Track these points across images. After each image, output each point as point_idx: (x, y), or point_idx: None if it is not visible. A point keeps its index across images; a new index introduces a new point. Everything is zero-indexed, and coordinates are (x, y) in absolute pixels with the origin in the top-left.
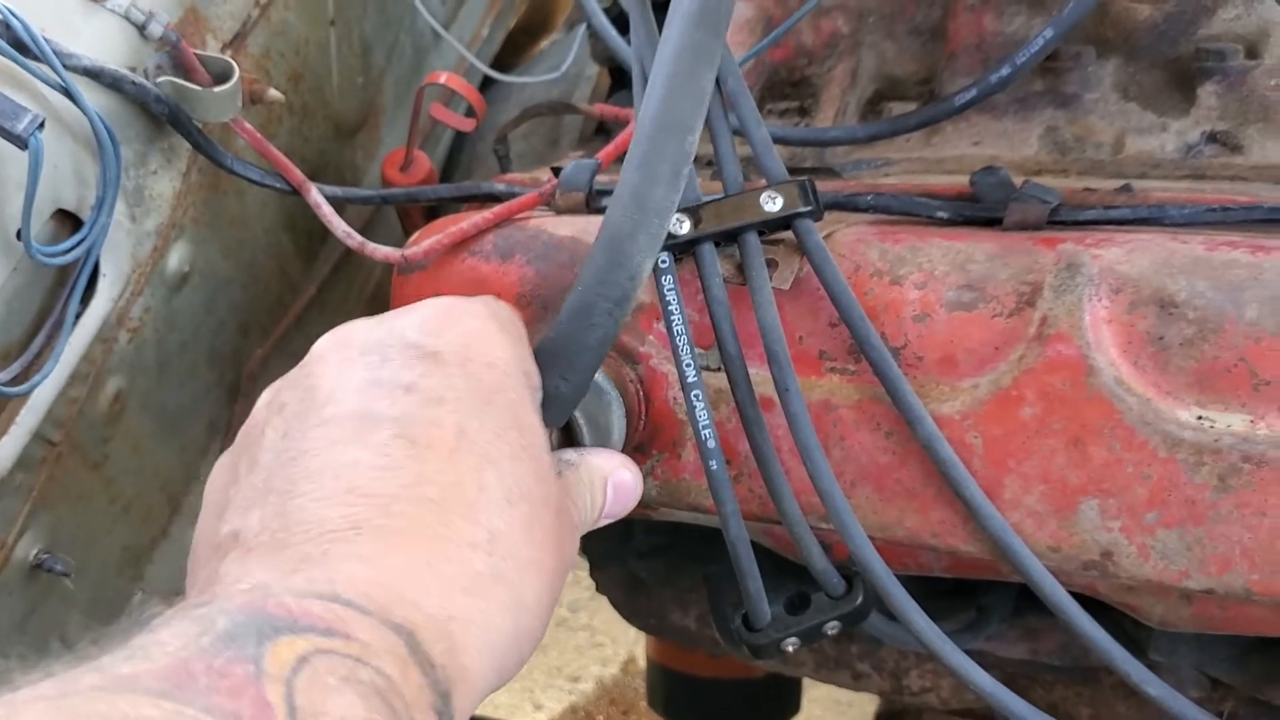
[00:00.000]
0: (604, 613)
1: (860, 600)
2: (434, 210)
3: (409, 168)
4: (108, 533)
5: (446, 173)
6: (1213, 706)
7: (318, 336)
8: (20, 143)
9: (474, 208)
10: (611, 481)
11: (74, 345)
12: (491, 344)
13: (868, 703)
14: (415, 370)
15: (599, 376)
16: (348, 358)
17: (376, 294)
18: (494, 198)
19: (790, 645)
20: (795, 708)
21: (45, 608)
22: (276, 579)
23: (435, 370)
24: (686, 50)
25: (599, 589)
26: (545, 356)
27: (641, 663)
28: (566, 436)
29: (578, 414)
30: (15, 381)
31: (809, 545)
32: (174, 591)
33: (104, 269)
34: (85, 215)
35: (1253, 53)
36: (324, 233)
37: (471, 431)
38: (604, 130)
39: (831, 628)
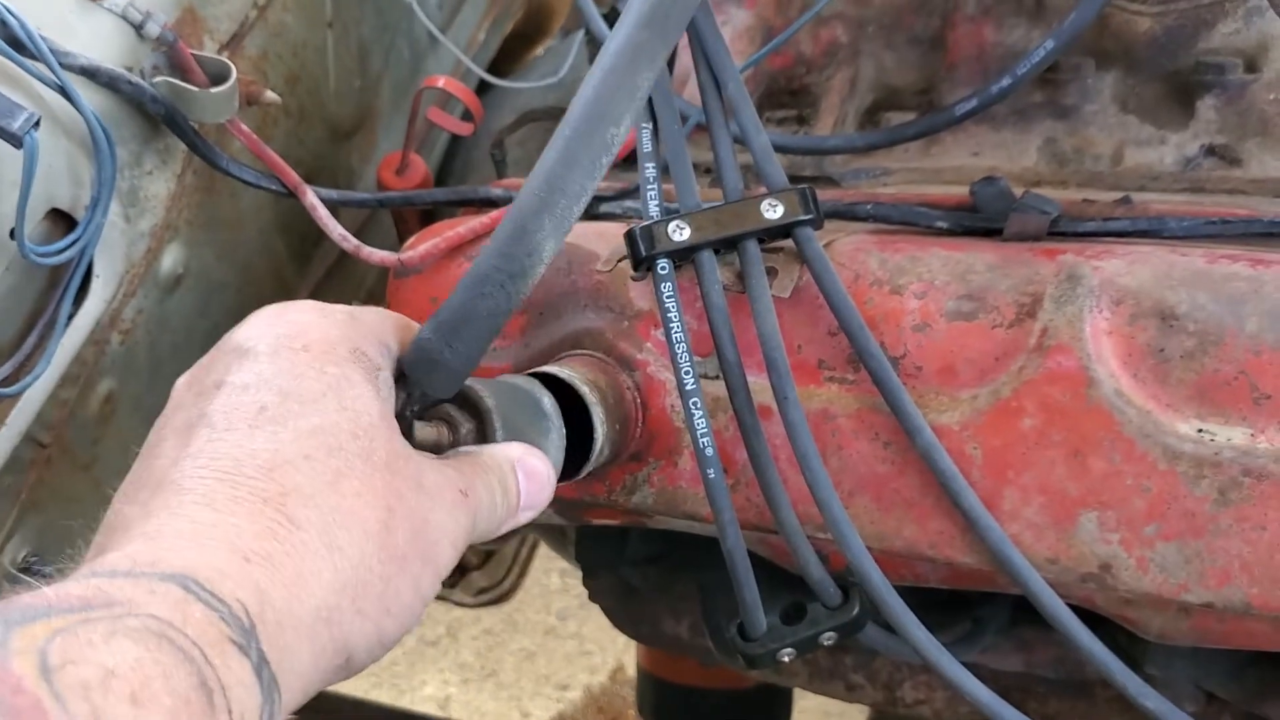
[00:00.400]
0: (592, 621)
1: (857, 611)
2: (429, 214)
3: (405, 171)
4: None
5: (442, 177)
6: None
7: None
8: (15, 141)
9: (470, 212)
10: (521, 469)
11: (66, 346)
12: (307, 331)
13: (857, 714)
14: (226, 369)
15: (546, 402)
16: (190, 372)
17: (369, 299)
18: (490, 202)
19: (786, 656)
20: (786, 718)
21: None
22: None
23: (244, 364)
24: (628, 47)
25: (591, 596)
26: (436, 321)
27: (630, 671)
28: (480, 434)
29: (499, 427)
30: (6, 382)
31: (806, 555)
32: None
33: (97, 270)
34: (79, 215)
35: (1252, 67)
36: (318, 236)
37: (272, 406)
38: None
39: (828, 638)
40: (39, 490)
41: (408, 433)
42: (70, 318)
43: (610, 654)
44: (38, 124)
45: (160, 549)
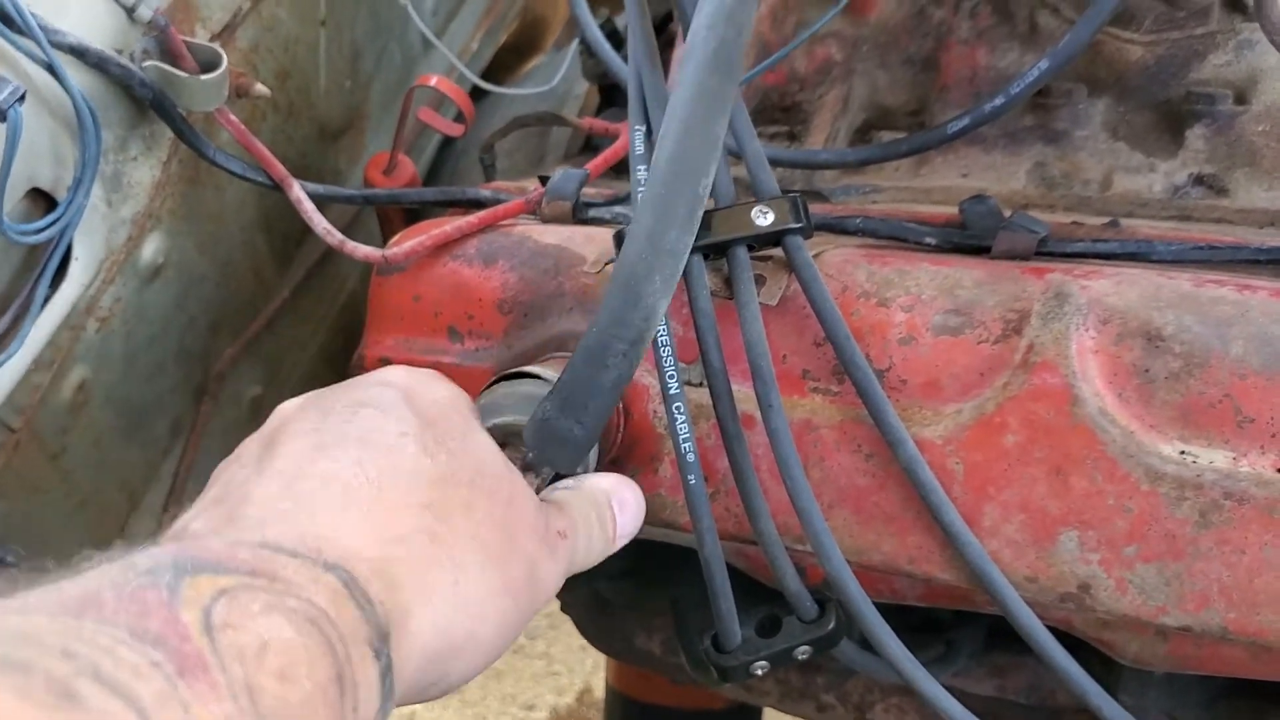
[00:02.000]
0: (561, 641)
1: (832, 625)
2: (415, 216)
3: (393, 171)
4: (63, 527)
5: (430, 181)
6: None
7: (289, 341)
8: None
9: (457, 213)
10: (615, 501)
11: (41, 329)
12: (434, 382)
13: None
14: (368, 395)
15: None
16: (320, 393)
17: (349, 303)
18: (478, 203)
19: (759, 669)
20: None
21: None
22: (209, 530)
23: (385, 394)
24: (701, 96)
25: (563, 608)
26: (560, 399)
27: (598, 693)
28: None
29: (578, 465)
30: None
31: (783, 566)
32: None
33: (76, 253)
34: (60, 196)
35: (1241, 98)
36: (300, 236)
37: (412, 432)
38: (591, 146)
39: (802, 652)
40: (4, 476)
41: None
42: (46, 300)
43: (578, 675)
44: (22, 98)
45: (322, 536)
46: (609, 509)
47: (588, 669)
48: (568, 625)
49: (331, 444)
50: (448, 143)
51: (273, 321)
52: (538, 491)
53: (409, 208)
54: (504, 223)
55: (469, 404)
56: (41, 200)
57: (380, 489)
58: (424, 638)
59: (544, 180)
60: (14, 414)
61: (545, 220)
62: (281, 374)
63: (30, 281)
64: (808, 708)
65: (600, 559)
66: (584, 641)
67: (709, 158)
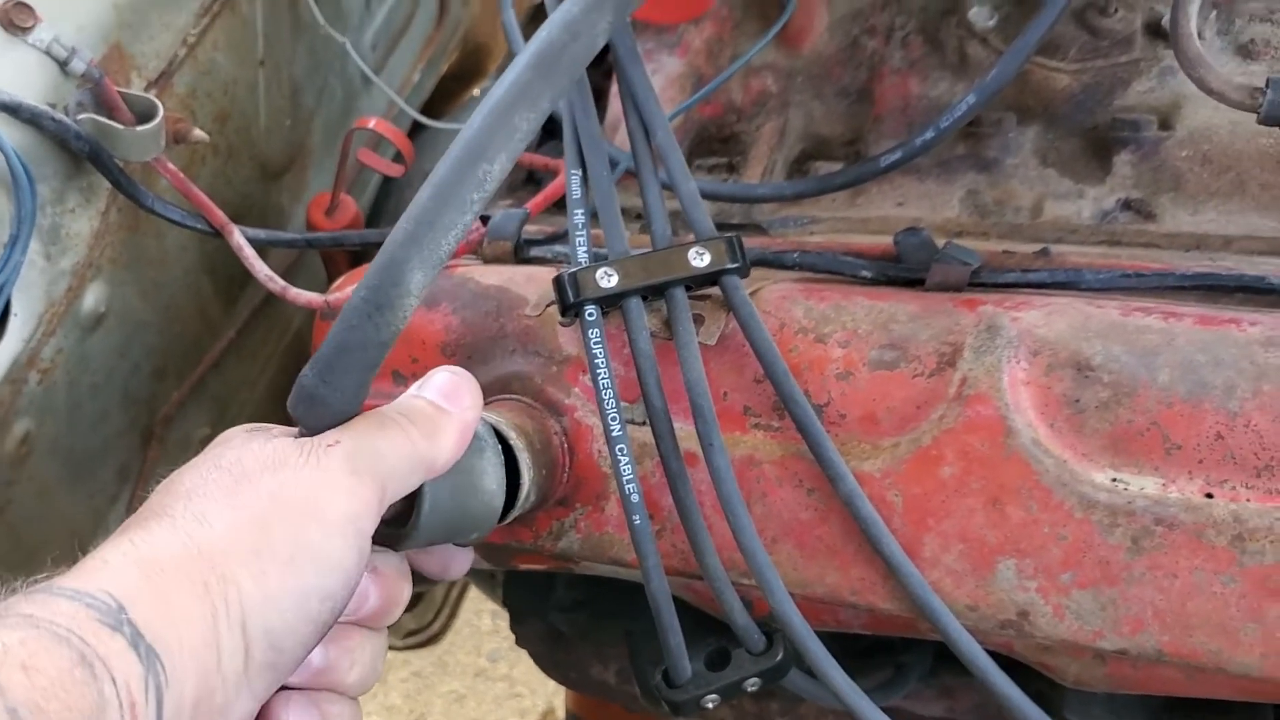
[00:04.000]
0: (523, 664)
1: (780, 657)
2: (359, 256)
3: (334, 212)
4: (10, 581)
5: (373, 218)
6: None
7: (236, 382)
8: None
9: None
10: (438, 388)
11: None
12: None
13: None
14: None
15: (481, 428)
16: None
17: (295, 342)
18: None
19: (710, 702)
20: None
21: None
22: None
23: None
24: (513, 87)
25: (518, 641)
26: (314, 360)
27: (560, 714)
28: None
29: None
30: None
31: (730, 601)
32: None
33: (15, 308)
34: None
35: (1166, 124)
36: (244, 277)
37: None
38: (533, 180)
39: (751, 684)
40: None
41: None
42: None
43: (540, 696)
44: None
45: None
46: (420, 400)
47: (550, 690)
48: None
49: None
50: (390, 179)
51: (219, 362)
52: None
53: (355, 254)
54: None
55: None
56: None
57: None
58: (176, 582)
59: (485, 220)
60: None
61: (486, 260)
62: (230, 414)
63: None
64: None
65: (428, 448)
66: None
67: (500, 147)
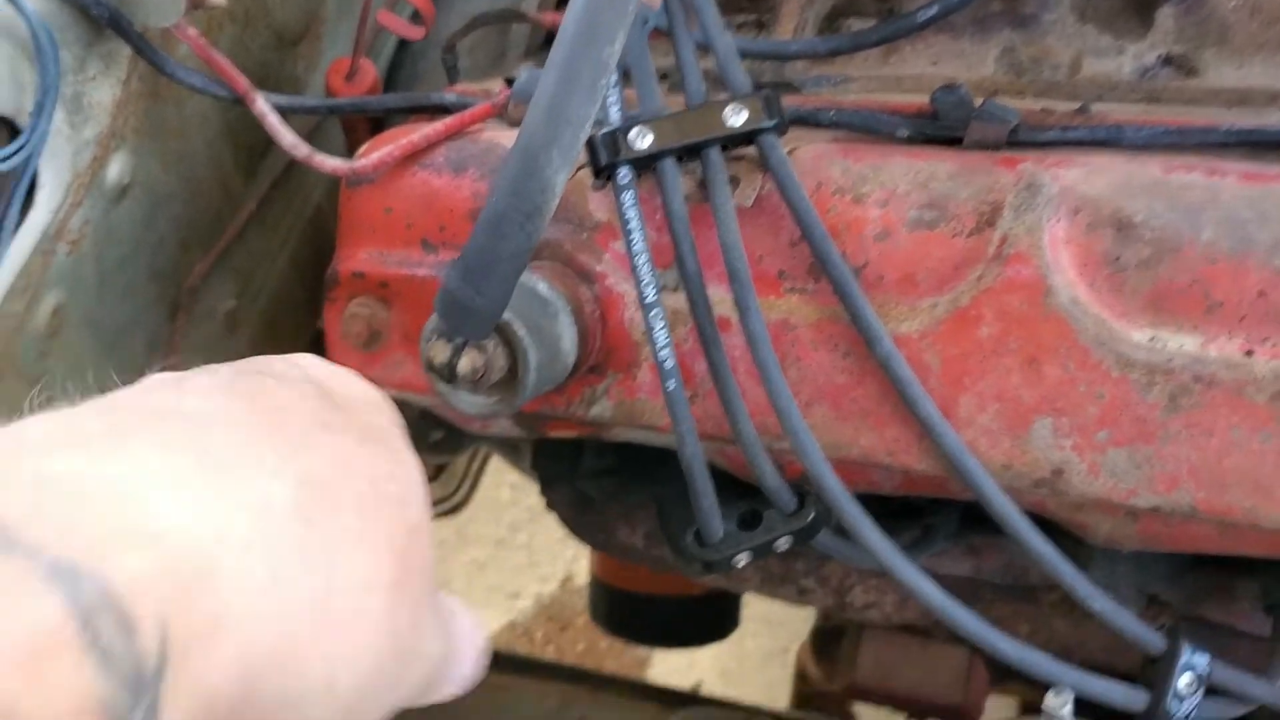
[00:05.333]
0: (542, 534)
1: (812, 518)
2: (379, 123)
3: (354, 77)
4: None
5: (389, 84)
6: (1150, 623)
7: (258, 254)
8: None
9: (422, 119)
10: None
11: (13, 258)
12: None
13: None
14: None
15: (543, 288)
16: None
17: (315, 215)
18: (444, 109)
19: (741, 560)
20: (734, 623)
21: None
22: None
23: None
24: None
25: (548, 506)
26: (461, 269)
27: (579, 580)
28: (509, 349)
29: (518, 323)
30: None
31: (762, 463)
32: None
33: (43, 179)
34: (23, 123)
35: None
36: (265, 147)
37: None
38: (553, 41)
39: (783, 544)
40: None
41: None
42: (16, 228)
43: (560, 564)
44: None
45: None
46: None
47: (569, 558)
48: (547, 518)
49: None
50: (405, 43)
51: (242, 234)
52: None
53: (375, 121)
54: (471, 129)
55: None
56: (3, 128)
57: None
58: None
59: (509, 81)
60: None
61: (512, 123)
62: (253, 286)
63: (0, 210)
64: (788, 592)
65: (424, 697)
66: (564, 533)
67: (617, 24)
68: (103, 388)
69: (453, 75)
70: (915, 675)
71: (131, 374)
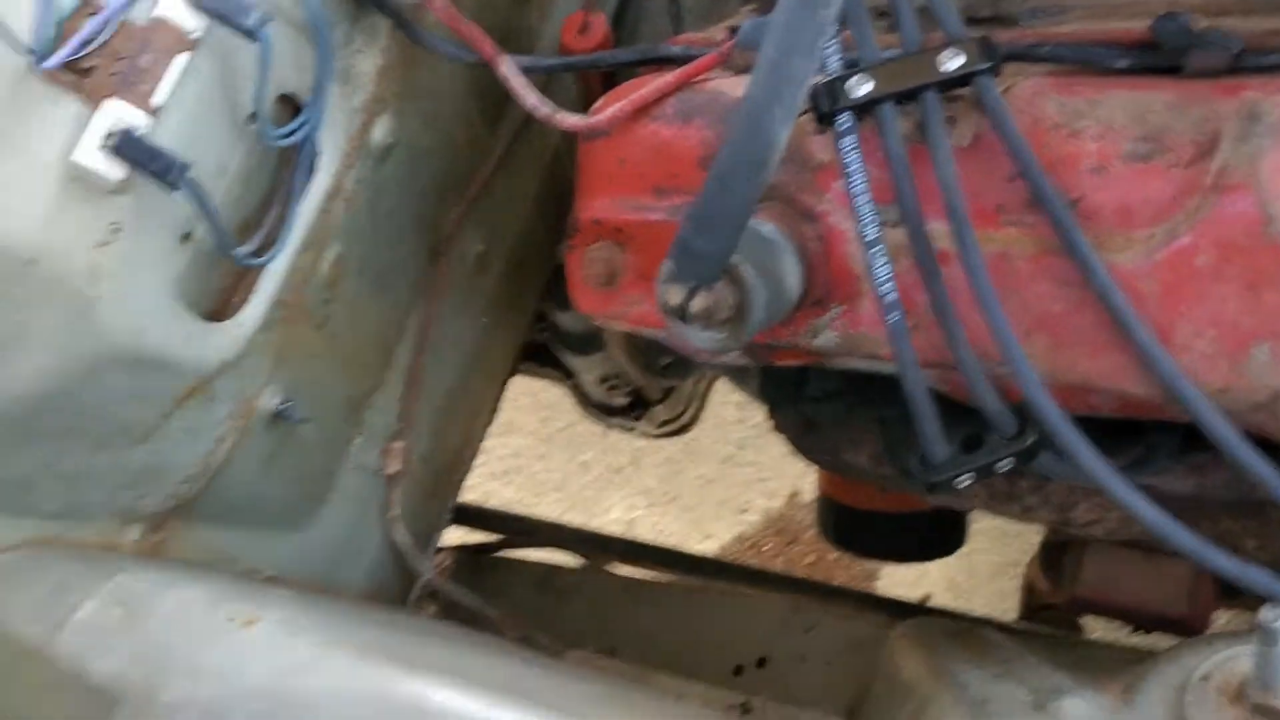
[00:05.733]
0: (769, 450)
1: (1032, 440)
2: (610, 75)
3: (587, 31)
4: (332, 385)
5: (615, 35)
6: None
7: (504, 200)
8: (250, 35)
9: (651, 71)
10: None
11: (302, 218)
12: None
13: (1031, 535)
14: None
15: (767, 230)
16: None
17: (554, 161)
18: (672, 60)
19: (964, 481)
20: (961, 539)
21: (284, 450)
22: None
23: None
24: None
25: (775, 428)
26: (694, 221)
27: (806, 496)
28: (737, 289)
29: (746, 266)
30: (257, 253)
31: (983, 390)
32: (389, 436)
33: (322, 146)
34: (304, 98)
35: None
36: (505, 101)
37: None
38: None
39: (1004, 465)
40: (284, 347)
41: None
42: (302, 191)
43: (787, 480)
44: (268, 21)
45: None
46: None
47: (795, 474)
48: (773, 436)
49: None
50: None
51: (489, 182)
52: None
53: (607, 73)
54: (698, 79)
55: None
56: (287, 103)
57: None
58: None
59: (732, 31)
60: (288, 292)
61: (738, 71)
62: (500, 229)
63: (288, 177)
64: (1012, 509)
65: None
66: (789, 449)
67: None
68: (375, 326)
69: (678, 24)
70: (1139, 588)
71: (399, 312)
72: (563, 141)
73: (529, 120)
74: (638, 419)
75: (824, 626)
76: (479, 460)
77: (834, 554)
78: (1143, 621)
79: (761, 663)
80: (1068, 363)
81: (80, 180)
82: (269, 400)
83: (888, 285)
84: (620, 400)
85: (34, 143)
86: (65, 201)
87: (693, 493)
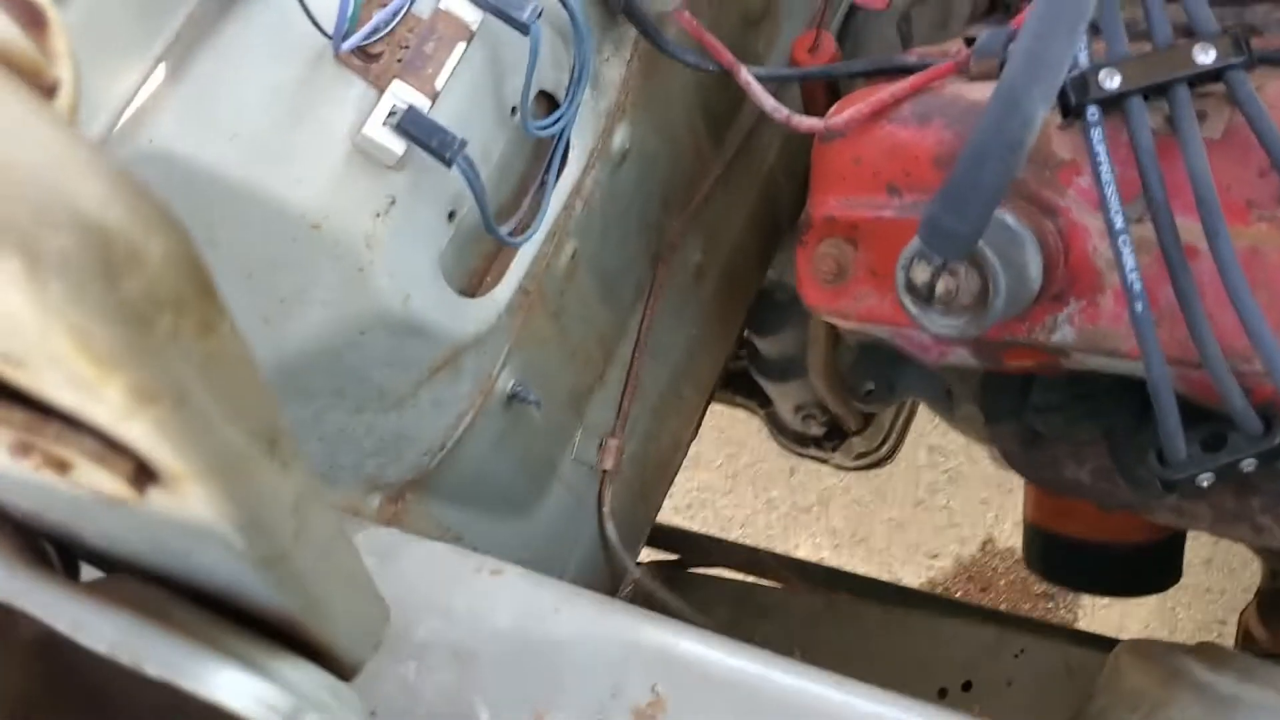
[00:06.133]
0: (960, 496)
1: (1279, 440)
2: (835, 93)
3: (817, 49)
4: (559, 374)
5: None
6: None
7: (722, 212)
8: (524, 28)
9: (880, 84)
10: None
11: (552, 208)
12: None
13: (1240, 593)
14: None
15: (1011, 220)
16: None
17: (769, 177)
18: (906, 70)
19: (1205, 480)
20: (1177, 575)
21: (514, 432)
22: None
23: None
24: None
25: (992, 441)
26: (945, 199)
27: (1000, 543)
28: (980, 274)
29: (990, 253)
30: (514, 234)
31: (1229, 385)
32: (606, 433)
33: (573, 143)
34: (560, 96)
35: None
36: (730, 116)
37: None
38: (1003, 5)
39: (1248, 465)
40: (523, 332)
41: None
42: (555, 183)
43: (980, 527)
44: (541, 13)
45: None
46: None
47: (989, 521)
48: (966, 481)
49: None
50: (849, 18)
51: (710, 195)
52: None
53: (829, 85)
54: (933, 85)
55: None
56: (545, 101)
57: None
58: None
59: (969, 42)
60: (530, 279)
61: (973, 79)
62: (717, 241)
63: (541, 169)
64: (1243, 530)
65: None
66: (984, 495)
67: None
68: (600, 322)
69: (906, 42)
70: None
71: (622, 312)
72: (779, 160)
73: (750, 137)
74: (834, 449)
75: (1033, 652)
76: None
77: (1029, 602)
78: None
79: (967, 686)
80: None
81: (363, 155)
82: (506, 381)
83: (1134, 274)
84: (816, 430)
85: (325, 118)
86: (349, 173)
87: (881, 535)
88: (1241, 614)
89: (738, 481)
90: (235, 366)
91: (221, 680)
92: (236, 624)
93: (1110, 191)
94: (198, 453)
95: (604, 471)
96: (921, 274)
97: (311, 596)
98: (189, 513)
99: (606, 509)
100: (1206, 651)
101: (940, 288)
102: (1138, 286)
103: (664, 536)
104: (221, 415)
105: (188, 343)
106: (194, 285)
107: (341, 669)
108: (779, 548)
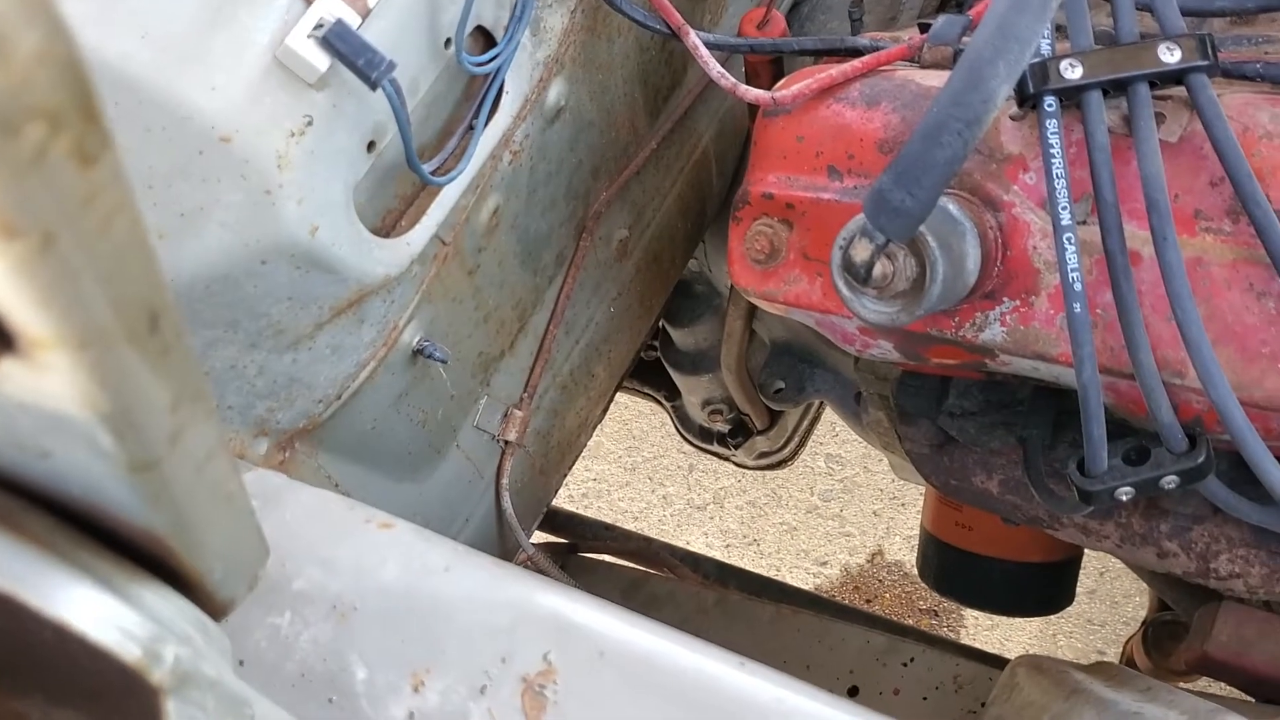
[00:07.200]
0: (854, 506)
1: (1203, 459)
2: (780, 73)
3: (766, 25)
4: (469, 336)
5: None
6: None
7: (651, 190)
8: None
9: (831, 63)
10: None
11: (478, 154)
12: None
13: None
14: None
15: (954, 209)
16: None
17: (701, 159)
18: (858, 51)
19: (1124, 494)
20: (1068, 600)
21: (416, 391)
22: None
23: None
24: None
25: (902, 442)
26: (895, 172)
27: (889, 556)
28: (918, 261)
29: (930, 236)
30: (438, 172)
31: (1158, 397)
32: (513, 403)
33: (507, 87)
34: (498, 35)
35: None
36: (669, 91)
37: None
38: (954, 3)
39: (1169, 482)
40: (434, 284)
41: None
42: (484, 125)
43: (870, 538)
44: None
45: None
46: None
47: (880, 534)
48: (861, 492)
49: None
50: (796, 4)
51: (640, 170)
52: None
53: (774, 62)
54: (884, 68)
55: None
56: (482, 38)
57: None
58: None
59: (923, 28)
60: (448, 230)
61: (925, 66)
62: (644, 219)
63: (471, 109)
64: (1147, 554)
65: None
66: (877, 507)
67: None
68: (517, 286)
69: (856, 28)
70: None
71: (541, 280)
72: (713, 141)
73: (686, 118)
74: (737, 447)
75: (922, 663)
76: None
77: (912, 618)
78: (1273, 689)
79: (853, 691)
80: (1255, 378)
81: (284, 69)
82: (412, 334)
83: (1075, 273)
84: (721, 426)
85: (247, 24)
86: (266, 86)
87: (773, 539)
88: (1127, 643)
89: (635, 475)
90: (118, 214)
91: (72, 597)
92: (97, 543)
93: (1060, 185)
94: (63, 313)
95: (506, 443)
96: (861, 252)
97: (183, 515)
98: (48, 394)
99: (505, 481)
100: (1105, 670)
101: (877, 270)
102: (1078, 286)
103: (556, 519)
104: (96, 272)
105: (60, 170)
106: (73, 98)
107: (211, 605)
108: (671, 543)
